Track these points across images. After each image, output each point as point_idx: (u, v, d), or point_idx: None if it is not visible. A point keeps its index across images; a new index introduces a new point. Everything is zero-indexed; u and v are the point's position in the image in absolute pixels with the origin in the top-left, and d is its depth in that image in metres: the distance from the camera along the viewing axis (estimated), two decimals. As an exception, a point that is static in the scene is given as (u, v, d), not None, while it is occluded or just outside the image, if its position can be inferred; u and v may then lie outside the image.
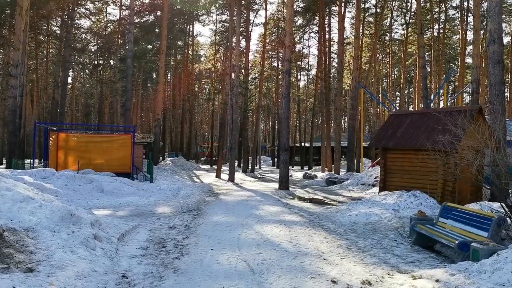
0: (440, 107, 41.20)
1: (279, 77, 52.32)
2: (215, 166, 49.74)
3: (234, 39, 29.27)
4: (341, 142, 33.17)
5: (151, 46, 50.06)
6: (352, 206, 12.86)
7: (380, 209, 11.78)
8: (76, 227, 6.75)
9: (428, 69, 45.19)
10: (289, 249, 7.79)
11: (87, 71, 60.58)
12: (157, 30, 44.50)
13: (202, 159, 61.05)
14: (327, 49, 38.80)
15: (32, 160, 21.23)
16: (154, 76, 57.41)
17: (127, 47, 31.47)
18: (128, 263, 6.31)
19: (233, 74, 30.61)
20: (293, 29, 51.70)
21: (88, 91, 67.70)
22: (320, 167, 41.31)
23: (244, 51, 36.26)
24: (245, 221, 10.68)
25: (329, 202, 16.28)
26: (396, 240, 9.10)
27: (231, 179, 26.15)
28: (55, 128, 22.02)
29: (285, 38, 22.50)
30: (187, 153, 52.59)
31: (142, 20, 45.64)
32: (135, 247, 7.28)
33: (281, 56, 52.39)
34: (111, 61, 52.41)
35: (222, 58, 53.60)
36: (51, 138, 20.73)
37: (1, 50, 41.70)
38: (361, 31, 39.22)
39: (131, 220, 10.47)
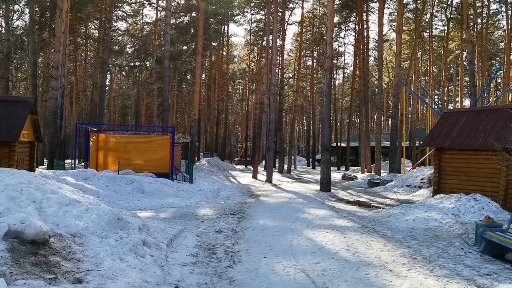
0: (487, 104, 39.21)
1: (313, 76, 51.48)
2: (249, 167, 49.47)
3: (270, 38, 28.75)
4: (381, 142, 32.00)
5: (186, 47, 50.24)
6: (405, 210, 12.03)
7: (438, 213, 10.92)
8: (124, 232, 6.35)
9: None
10: (348, 258, 7.15)
11: (123, 73, 61.52)
12: (192, 31, 44.58)
13: (235, 159, 60.87)
14: (364, 46, 37.65)
15: (73, 161, 21.38)
16: (189, 77, 57.64)
17: (163, 48, 31.50)
18: (180, 272, 5.84)
19: (269, 74, 30.11)
20: (321, 26, 50.89)
21: (125, 93, 68.92)
22: (358, 167, 40.17)
23: (280, 50, 35.68)
24: (293, 226, 10.09)
25: (376, 205, 15.46)
26: (463, 248, 8.28)
27: (269, 180, 25.60)
28: (95, 129, 22.12)
29: (326, 34, 21.73)
30: (222, 153, 52.42)
31: (178, 21, 45.81)
32: (184, 254, 6.82)
33: (316, 54, 51.56)
34: (147, 63, 52.96)
35: (256, 58, 53.25)
36: (91, 139, 20.80)
37: (41, 54, 42.72)
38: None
39: (175, 223, 10.08)
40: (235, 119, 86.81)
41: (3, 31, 38.17)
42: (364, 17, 39.01)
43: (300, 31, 41.28)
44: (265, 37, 50.16)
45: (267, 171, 26.44)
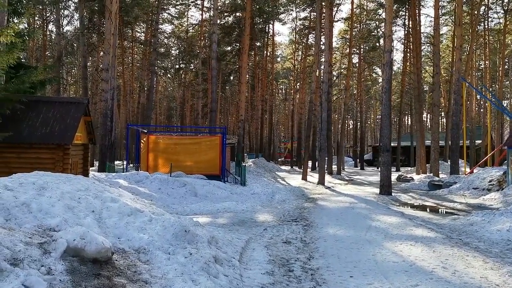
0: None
1: (360, 74, 49.65)
2: (295, 167, 48.37)
3: (322, 37, 27.68)
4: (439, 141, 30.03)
5: (230, 48, 49.82)
6: (489, 218, 10.65)
7: (535, 223, 9.51)
8: (193, 247, 5.55)
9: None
10: (450, 279, 6.04)
11: (169, 75, 62.04)
12: (235, 32, 44.09)
13: (279, 159, 59.87)
14: (417, 41, 35.66)
15: (125, 163, 21.18)
16: (232, 78, 57.25)
17: (211, 48, 31.05)
18: (260, 297, 4.97)
19: (318, 71, 29.01)
20: (376, 22, 48.93)
21: (170, 95, 69.55)
22: (410, 168, 38.14)
23: (328, 47, 34.36)
24: (369, 236, 9.02)
25: (448, 211, 14.09)
26: None
27: (321, 182, 24.47)
28: (145, 130, 21.84)
29: (384, 28, 20.42)
30: (266, 154, 51.63)
31: (222, 22, 45.43)
32: (259, 272, 5.95)
33: (363, 51, 49.72)
34: (191, 65, 53.04)
35: (301, 57, 52.08)
36: (142, 141, 20.51)
37: (89, 58, 43.53)
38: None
39: (236, 231, 9.29)
40: (278, 119, 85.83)
41: (53, 36, 39.22)
42: (416, 11, 37.08)
43: (350, 26, 39.72)
44: (310, 35, 49.25)
45: (319, 173, 25.34)
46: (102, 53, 42.02)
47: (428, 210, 14.52)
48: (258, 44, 51.37)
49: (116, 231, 5.55)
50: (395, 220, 11.38)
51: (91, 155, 38.20)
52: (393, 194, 19.09)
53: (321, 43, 28.91)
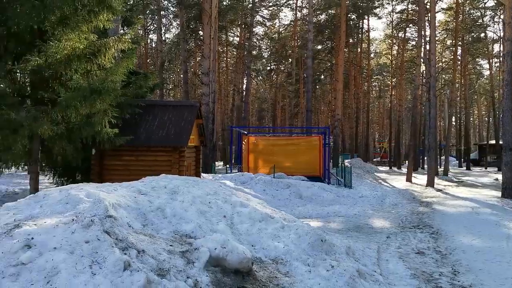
0: None
1: (464, 67, 45.73)
2: (394, 168, 45.98)
3: (427, 30, 25.82)
4: None
5: (321, 46, 48.90)
6: None
7: None
8: (332, 258, 5.07)
9: None
10: None
11: (260, 77, 62.73)
12: (327, 30, 43.15)
13: (374, 160, 57.42)
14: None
15: (229, 164, 21.50)
16: (322, 77, 56.20)
17: (302, 48, 30.57)
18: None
19: (423, 65, 27.10)
20: (481, 11, 44.78)
21: (262, 96, 70.34)
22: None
23: (429, 39, 32.04)
24: (513, 248, 7.86)
25: None
26: None
27: (431, 184, 22.71)
28: (245, 132, 22.00)
29: (504, 14, 18.34)
30: (363, 154, 49.80)
31: (314, 20, 44.75)
32: (404, 288, 5.30)
33: (465, 43, 45.76)
34: (281, 66, 52.98)
35: (398, 52, 49.46)
36: (243, 142, 20.66)
37: (187, 63, 45.35)
38: None
39: (356, 237, 8.66)
40: (371, 118, 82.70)
41: (153, 44, 41.54)
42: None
43: (454, 15, 36.74)
44: (408, 28, 46.57)
45: (427, 174, 23.61)
46: (199, 58, 43.70)
47: None
48: (351, 40, 49.84)
49: (249, 238, 5.26)
50: (537, 229, 9.92)
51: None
52: (518, 197, 17.01)
53: (425, 35, 27.01)
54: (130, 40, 10.54)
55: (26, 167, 14.94)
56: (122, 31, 14.47)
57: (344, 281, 4.61)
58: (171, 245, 4.46)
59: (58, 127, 8.89)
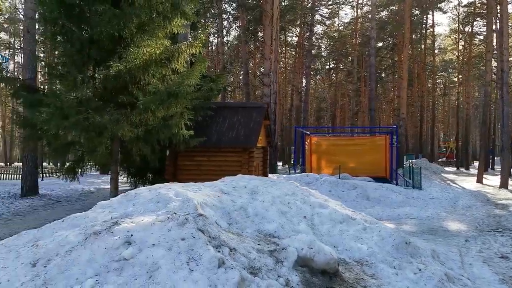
0: None
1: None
2: (461, 169, 43.74)
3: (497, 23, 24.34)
4: None
5: (382, 44, 47.61)
6: None
7: None
8: (418, 261, 4.96)
9: None
10: None
11: (318, 76, 62.10)
12: (389, 26, 41.94)
13: (439, 160, 54.96)
14: None
15: (293, 165, 21.52)
16: (383, 75, 54.63)
17: (365, 46, 29.92)
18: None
19: (497, 60, 25.58)
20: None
21: (320, 96, 69.64)
22: None
23: (506, 32, 30.16)
24: None
25: None
26: None
27: (504, 185, 21.41)
28: (308, 132, 21.92)
29: None
30: (428, 154, 47.88)
31: (375, 17, 43.66)
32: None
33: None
34: (340, 65, 52.13)
35: (464, 47, 47.04)
36: (306, 142, 20.60)
37: (242, 65, 45.91)
38: None
39: (432, 241, 8.36)
40: (436, 116, 79.18)
41: (213, 47, 42.39)
42: None
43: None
44: (475, 22, 44.13)
45: (501, 175, 22.27)
46: (258, 59, 44.09)
47: None
48: (414, 36, 48.08)
49: (331, 239, 5.27)
50: None
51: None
52: None
53: (496, 28, 25.49)
54: (201, 45, 10.87)
55: (97, 168, 15.90)
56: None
57: (433, 284, 4.50)
58: (258, 244, 4.57)
59: (138, 129, 9.37)
